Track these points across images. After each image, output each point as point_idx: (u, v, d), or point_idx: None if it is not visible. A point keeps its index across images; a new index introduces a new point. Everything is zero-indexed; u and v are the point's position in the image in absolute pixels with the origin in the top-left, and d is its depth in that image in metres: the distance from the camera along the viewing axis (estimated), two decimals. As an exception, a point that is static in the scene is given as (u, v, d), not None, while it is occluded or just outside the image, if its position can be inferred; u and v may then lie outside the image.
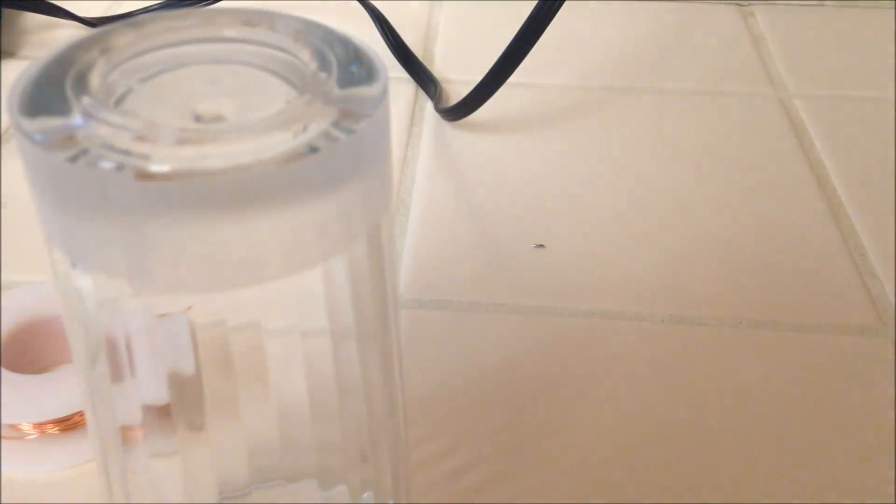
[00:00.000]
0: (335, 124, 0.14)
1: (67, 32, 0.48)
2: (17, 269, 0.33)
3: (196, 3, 0.50)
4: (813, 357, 0.30)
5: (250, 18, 0.16)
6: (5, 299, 0.29)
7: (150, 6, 0.50)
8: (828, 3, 0.53)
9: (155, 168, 0.13)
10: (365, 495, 0.19)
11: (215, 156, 0.13)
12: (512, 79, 0.38)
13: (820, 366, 0.30)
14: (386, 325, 0.17)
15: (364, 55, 0.15)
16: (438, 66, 0.47)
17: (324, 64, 0.15)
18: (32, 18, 0.49)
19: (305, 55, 0.15)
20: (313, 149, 0.13)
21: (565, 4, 0.35)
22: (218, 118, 0.14)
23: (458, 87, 0.44)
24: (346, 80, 0.14)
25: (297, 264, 0.14)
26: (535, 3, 0.36)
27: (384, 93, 0.14)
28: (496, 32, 0.44)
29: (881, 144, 0.41)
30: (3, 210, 0.36)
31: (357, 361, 0.17)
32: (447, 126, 0.42)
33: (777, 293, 0.33)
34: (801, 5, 0.53)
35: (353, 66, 0.15)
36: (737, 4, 0.53)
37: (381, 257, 0.16)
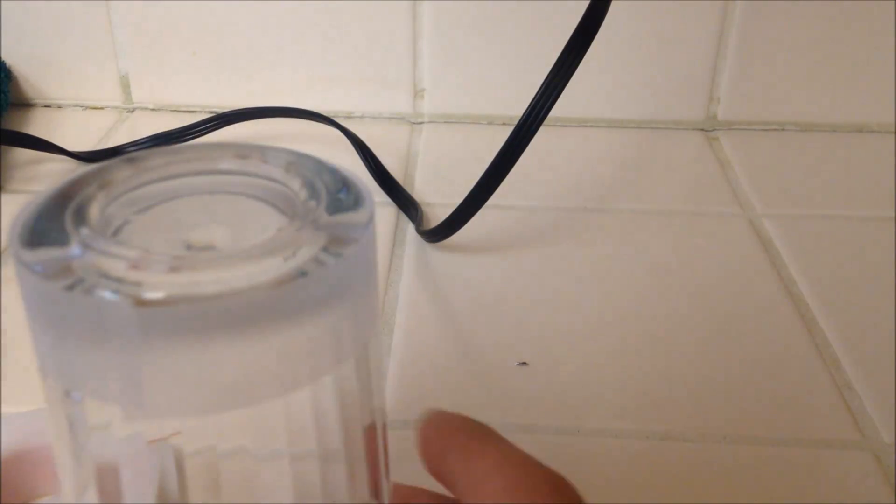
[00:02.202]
0: (324, 249, 0.14)
1: (57, 167, 0.50)
2: (11, 398, 0.33)
3: (183, 137, 0.52)
4: (798, 472, 0.30)
5: (243, 151, 0.16)
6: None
7: (138, 140, 0.51)
8: (788, 128, 0.56)
9: (148, 295, 0.13)
10: None
11: (207, 282, 0.13)
12: (490, 201, 0.39)
13: (805, 480, 0.30)
14: (374, 445, 0.17)
15: (351, 183, 0.16)
16: (419, 190, 0.48)
17: (313, 192, 0.15)
18: (22, 153, 0.50)
19: (296, 184, 0.16)
20: (303, 273, 0.14)
21: (540, 130, 0.37)
22: (210, 246, 0.15)
23: (439, 209, 0.46)
24: (335, 208, 0.15)
25: (288, 385, 0.14)
26: (512, 128, 0.37)
27: (370, 219, 0.15)
28: (474, 157, 0.45)
29: (850, 260, 0.42)
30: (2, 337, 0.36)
31: (345, 483, 0.17)
32: (428, 247, 0.43)
33: (758, 409, 0.33)
34: (764, 130, 0.56)
35: (341, 194, 0.15)
36: (702, 130, 0.56)
37: (369, 376, 0.16)
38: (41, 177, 0.49)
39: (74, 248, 0.14)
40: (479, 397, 0.33)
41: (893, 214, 0.46)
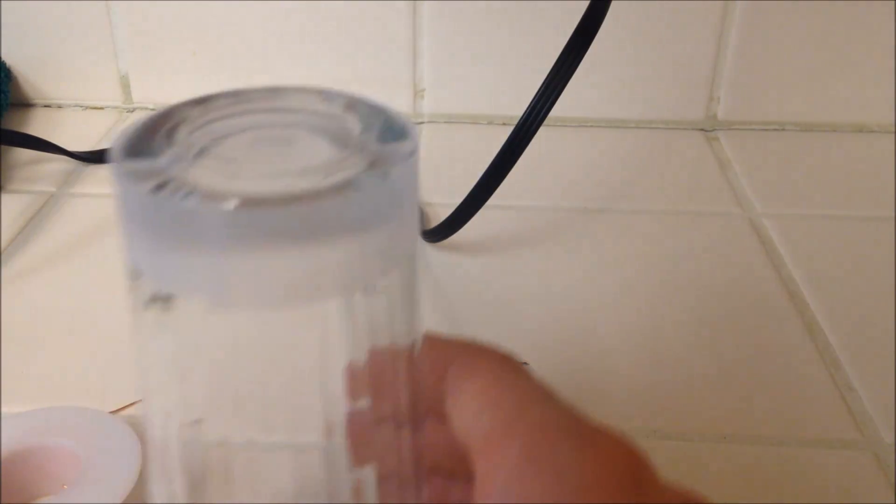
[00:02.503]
0: (375, 170, 0.16)
1: (57, 167, 0.50)
2: (11, 398, 0.33)
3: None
4: (798, 471, 0.30)
5: (306, 92, 0.19)
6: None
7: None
8: (788, 128, 0.56)
9: (230, 200, 0.15)
10: None
11: (278, 191, 0.15)
12: (490, 201, 0.39)
13: (805, 480, 0.30)
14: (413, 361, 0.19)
15: (399, 121, 0.18)
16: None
17: (367, 127, 0.18)
18: (22, 153, 0.50)
19: (352, 120, 0.18)
20: (357, 187, 0.16)
21: (540, 130, 0.37)
22: (278, 166, 0.17)
23: (438, 209, 0.46)
24: (385, 139, 0.17)
25: (347, 286, 0.17)
26: (512, 128, 0.37)
27: (415, 149, 0.17)
28: (474, 157, 0.45)
29: (850, 260, 0.42)
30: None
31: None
32: (428, 247, 0.43)
33: (758, 409, 0.33)
34: (764, 130, 0.56)
35: (389, 129, 0.18)
36: (702, 130, 0.56)
37: (412, 289, 0.19)
38: (41, 177, 0.49)
39: (164, 161, 0.16)
40: (479, 397, 0.33)
41: (893, 214, 0.46)
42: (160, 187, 0.15)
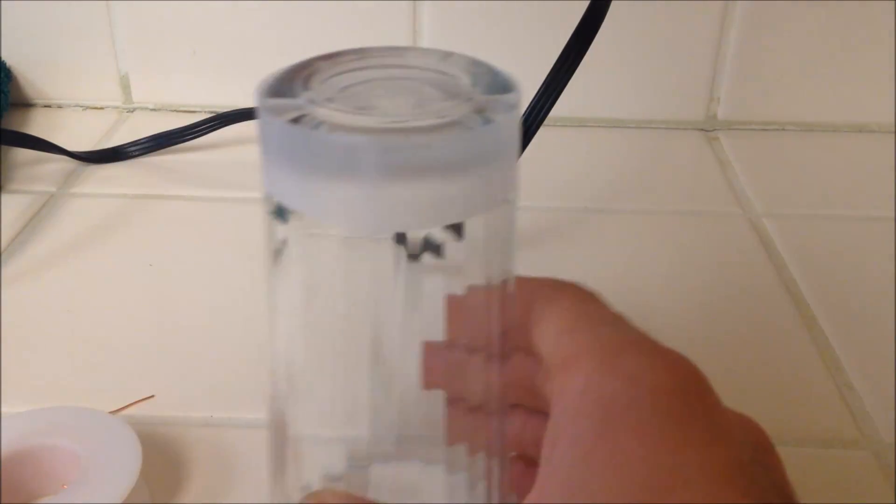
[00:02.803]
0: (481, 116, 0.18)
1: (57, 167, 0.50)
2: (11, 398, 0.33)
3: (183, 137, 0.52)
4: (798, 471, 0.30)
5: (425, 52, 0.21)
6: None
7: (139, 140, 0.51)
8: (788, 128, 0.56)
9: (366, 133, 0.17)
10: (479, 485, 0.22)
11: (400, 126, 0.18)
12: (490, 203, 0.39)
13: (805, 480, 0.30)
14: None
15: (506, 78, 0.20)
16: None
17: (475, 80, 0.20)
18: (22, 153, 0.50)
19: (462, 75, 0.20)
20: (468, 127, 0.18)
21: (540, 130, 0.37)
22: (399, 109, 0.19)
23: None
24: (491, 91, 0.19)
25: (467, 211, 0.19)
26: (511, 131, 0.37)
27: (518, 101, 0.19)
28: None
29: (850, 260, 0.42)
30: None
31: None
32: (428, 249, 0.43)
33: (758, 409, 0.33)
34: (764, 130, 0.56)
35: (496, 83, 0.20)
36: (702, 130, 0.56)
37: (511, 226, 0.21)
38: (41, 177, 0.49)
39: (301, 100, 0.19)
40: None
41: (893, 214, 0.46)
42: (297, 120, 0.18)
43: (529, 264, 0.44)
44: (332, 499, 0.21)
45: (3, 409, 0.32)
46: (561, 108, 0.38)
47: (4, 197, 0.47)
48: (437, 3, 0.52)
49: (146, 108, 0.57)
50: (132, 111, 0.57)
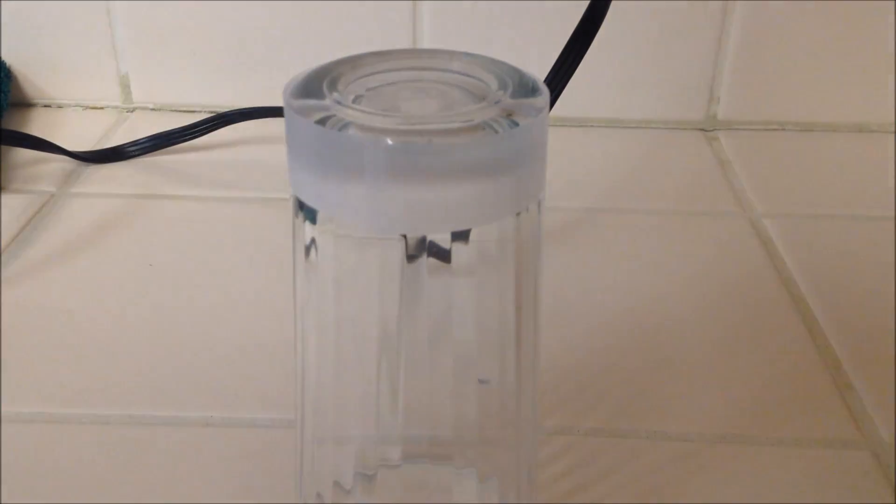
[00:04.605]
0: (508, 120, 0.19)
1: (57, 167, 0.50)
2: (11, 398, 0.33)
3: (183, 137, 0.52)
4: (797, 471, 0.30)
5: (449, 54, 0.22)
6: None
7: (139, 140, 0.51)
8: (788, 128, 0.56)
9: (387, 136, 0.18)
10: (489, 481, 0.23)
11: (424, 129, 0.18)
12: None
13: (805, 480, 0.30)
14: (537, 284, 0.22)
15: (532, 80, 0.20)
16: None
17: (502, 84, 0.20)
18: (22, 153, 0.50)
19: (490, 79, 0.21)
20: (495, 131, 0.18)
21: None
22: (424, 111, 0.19)
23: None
24: (518, 95, 0.20)
25: (486, 217, 0.19)
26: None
27: (545, 105, 0.20)
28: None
29: (850, 260, 0.42)
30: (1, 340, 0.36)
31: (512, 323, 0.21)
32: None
33: (758, 409, 0.33)
34: (764, 130, 0.56)
35: (523, 86, 0.20)
36: (702, 130, 0.56)
37: (539, 226, 0.21)
38: (41, 177, 0.49)
39: (327, 101, 0.19)
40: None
41: (893, 214, 0.46)
42: (324, 121, 0.18)
43: (529, 264, 0.44)
44: None
45: (3, 409, 0.32)
46: (561, 108, 0.38)
47: (4, 197, 0.47)
48: (437, 3, 0.52)
49: (146, 108, 0.57)
50: (132, 111, 0.57)
